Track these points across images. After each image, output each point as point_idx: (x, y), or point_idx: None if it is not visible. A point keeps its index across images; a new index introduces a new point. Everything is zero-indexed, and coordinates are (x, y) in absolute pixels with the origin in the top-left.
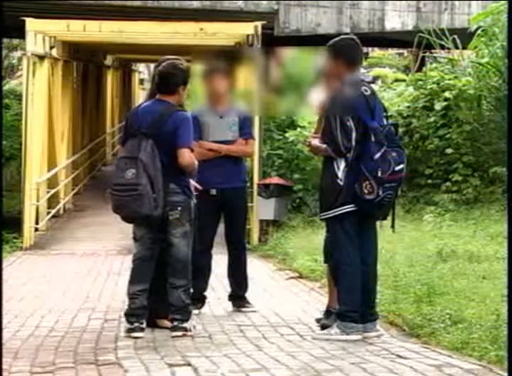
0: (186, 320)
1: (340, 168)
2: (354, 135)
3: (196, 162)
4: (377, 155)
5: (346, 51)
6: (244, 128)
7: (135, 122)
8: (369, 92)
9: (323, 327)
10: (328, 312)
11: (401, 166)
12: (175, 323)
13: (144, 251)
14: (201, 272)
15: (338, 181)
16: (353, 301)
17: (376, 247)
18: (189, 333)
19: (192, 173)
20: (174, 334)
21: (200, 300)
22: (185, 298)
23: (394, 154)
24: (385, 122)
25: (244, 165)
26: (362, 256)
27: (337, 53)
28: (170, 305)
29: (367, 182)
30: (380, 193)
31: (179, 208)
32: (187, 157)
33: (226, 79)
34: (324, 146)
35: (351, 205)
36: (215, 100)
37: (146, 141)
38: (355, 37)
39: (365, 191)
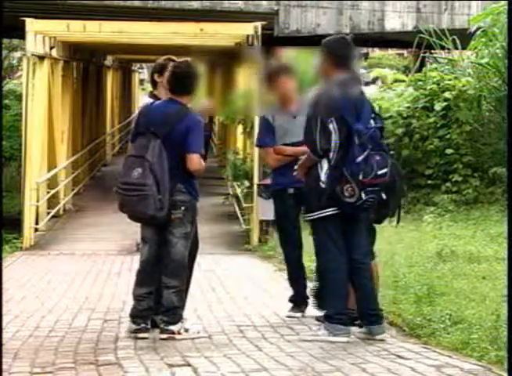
0: (174, 323)
1: (323, 171)
2: (334, 137)
3: (204, 165)
4: (360, 158)
5: (335, 50)
6: None
7: (146, 120)
8: (357, 93)
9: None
10: None
11: (384, 170)
12: (161, 325)
13: (150, 254)
14: (298, 274)
15: (320, 183)
16: (340, 304)
17: (368, 243)
18: (177, 336)
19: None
20: (160, 336)
21: (303, 303)
22: (176, 301)
23: (377, 158)
24: (372, 123)
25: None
26: (351, 253)
27: (327, 52)
28: (161, 304)
29: (348, 185)
30: (363, 196)
31: (183, 208)
32: (196, 163)
33: (293, 78)
34: (303, 157)
35: (334, 208)
36: (286, 101)
37: (155, 141)
38: (347, 36)
39: (347, 194)
